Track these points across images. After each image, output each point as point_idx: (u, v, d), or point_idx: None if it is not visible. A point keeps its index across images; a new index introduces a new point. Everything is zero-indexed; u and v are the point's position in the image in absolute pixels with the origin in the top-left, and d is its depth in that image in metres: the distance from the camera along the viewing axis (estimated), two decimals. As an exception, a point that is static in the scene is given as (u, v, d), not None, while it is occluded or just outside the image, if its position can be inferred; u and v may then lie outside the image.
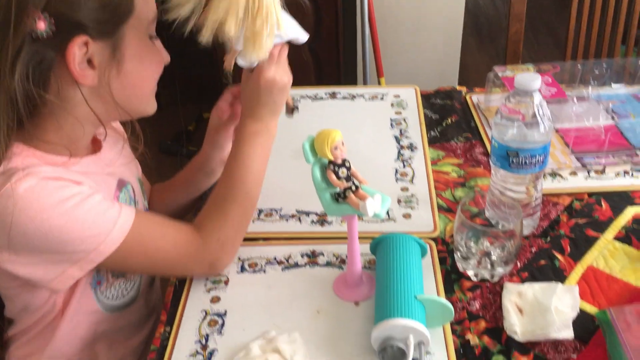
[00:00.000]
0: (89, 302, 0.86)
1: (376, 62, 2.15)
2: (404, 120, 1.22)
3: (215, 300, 0.85)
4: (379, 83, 2.17)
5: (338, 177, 0.74)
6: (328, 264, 0.89)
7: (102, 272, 0.86)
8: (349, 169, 0.74)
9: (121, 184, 0.90)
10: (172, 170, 1.10)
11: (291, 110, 1.00)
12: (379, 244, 0.85)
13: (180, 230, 0.84)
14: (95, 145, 0.89)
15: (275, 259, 0.91)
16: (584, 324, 0.76)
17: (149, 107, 0.85)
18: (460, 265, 0.87)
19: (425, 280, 0.81)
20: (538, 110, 0.83)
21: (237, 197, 0.86)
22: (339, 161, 0.74)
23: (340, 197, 0.75)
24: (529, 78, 0.82)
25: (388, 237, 0.84)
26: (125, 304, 0.91)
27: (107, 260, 0.77)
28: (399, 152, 1.12)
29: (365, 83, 2.16)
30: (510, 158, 0.85)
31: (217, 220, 0.85)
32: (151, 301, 0.99)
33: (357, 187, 0.75)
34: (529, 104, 0.83)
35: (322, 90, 1.33)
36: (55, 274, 0.76)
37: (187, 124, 2.65)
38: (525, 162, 0.85)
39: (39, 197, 0.71)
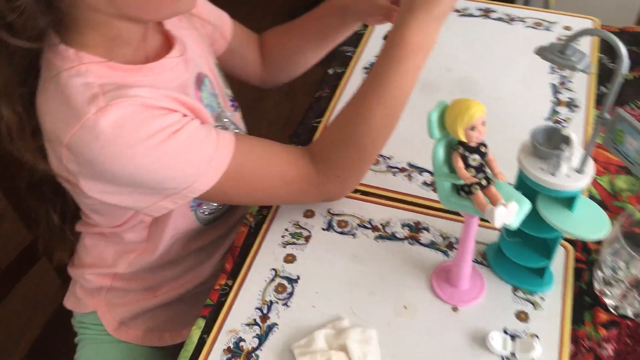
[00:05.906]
0: (187, 220, 0.80)
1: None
2: (570, 64, 0.96)
3: (290, 259, 0.72)
4: (547, 5, 1.74)
5: (467, 165, 0.55)
6: (432, 244, 0.73)
7: None
8: (483, 156, 0.55)
9: (199, 80, 0.77)
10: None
11: None
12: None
13: (290, 163, 0.71)
14: (166, 40, 0.74)
15: (370, 222, 0.75)
16: None
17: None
18: (597, 286, 0.68)
19: (550, 294, 0.65)
20: None
21: (372, 125, 0.68)
22: (473, 144, 0.55)
23: (463, 190, 0.57)
24: None
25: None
26: (219, 216, 0.84)
27: (203, 195, 0.67)
28: (552, 109, 0.89)
29: (527, 2, 1.73)
30: None
31: (342, 152, 0.70)
32: (238, 211, 0.89)
33: (488, 182, 0.56)
34: None
35: (473, 4, 1.08)
36: (147, 204, 0.67)
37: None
38: None
39: (122, 133, 0.60)
